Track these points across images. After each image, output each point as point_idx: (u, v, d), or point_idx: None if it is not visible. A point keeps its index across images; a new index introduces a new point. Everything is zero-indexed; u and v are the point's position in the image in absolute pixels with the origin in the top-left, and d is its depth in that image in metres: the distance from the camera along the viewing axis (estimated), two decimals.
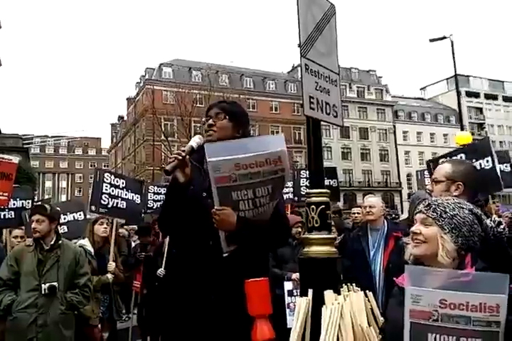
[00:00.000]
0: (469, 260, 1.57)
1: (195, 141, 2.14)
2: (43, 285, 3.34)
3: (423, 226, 1.62)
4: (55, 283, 3.37)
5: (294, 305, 4.08)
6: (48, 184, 72.63)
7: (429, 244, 1.58)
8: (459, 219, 1.60)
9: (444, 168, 2.27)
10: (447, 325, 1.36)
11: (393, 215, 19.45)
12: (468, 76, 57.93)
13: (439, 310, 1.37)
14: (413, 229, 1.63)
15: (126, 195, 4.96)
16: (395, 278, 1.72)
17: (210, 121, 2.20)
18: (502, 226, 1.89)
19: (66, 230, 4.99)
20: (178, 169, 2.04)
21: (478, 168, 3.85)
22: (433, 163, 4.05)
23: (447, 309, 1.36)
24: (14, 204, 4.97)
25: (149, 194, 6.72)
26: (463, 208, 1.64)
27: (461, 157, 4.00)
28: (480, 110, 59.04)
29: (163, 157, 35.38)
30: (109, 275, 4.32)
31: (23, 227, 4.83)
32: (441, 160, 3.50)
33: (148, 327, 5.74)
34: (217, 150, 1.88)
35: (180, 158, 2.02)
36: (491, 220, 1.93)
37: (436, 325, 1.37)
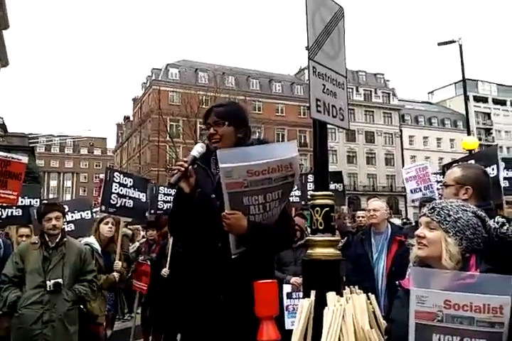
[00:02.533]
0: (474, 262, 1.59)
1: (197, 150, 2.15)
2: (48, 282, 3.38)
3: (427, 230, 1.63)
4: (60, 280, 3.41)
5: (293, 308, 4.14)
6: (53, 183, 73.02)
7: (433, 247, 1.60)
8: (463, 222, 1.62)
9: (454, 173, 2.29)
10: (451, 325, 1.38)
11: (404, 220, 19.31)
12: (476, 80, 57.70)
13: (443, 310, 1.39)
14: (417, 232, 1.65)
15: (133, 193, 5.01)
16: (400, 281, 1.73)
17: (212, 131, 2.21)
18: (505, 227, 1.90)
19: (73, 228, 5.03)
20: (182, 180, 2.07)
21: None
22: (447, 168, 4.08)
23: (451, 310, 1.38)
24: (22, 202, 5.02)
25: (159, 195, 6.74)
26: (466, 211, 1.66)
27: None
28: (488, 115, 58.74)
29: (168, 158, 35.48)
30: (116, 274, 4.35)
31: (30, 225, 4.87)
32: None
33: (151, 327, 5.76)
34: (230, 156, 1.90)
35: (182, 169, 2.04)
36: (494, 221, 1.93)
37: (440, 326, 1.39)
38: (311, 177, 6.51)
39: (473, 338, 1.35)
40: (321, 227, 2.28)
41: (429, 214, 1.65)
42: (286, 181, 1.95)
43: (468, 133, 14.92)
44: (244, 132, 2.25)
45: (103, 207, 4.76)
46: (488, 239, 1.63)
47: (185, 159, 2.12)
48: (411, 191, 6.72)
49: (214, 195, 2.10)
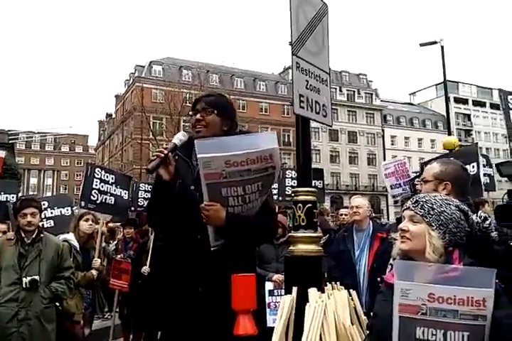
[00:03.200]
0: (457, 256, 1.59)
1: (178, 138, 2.12)
2: (24, 278, 3.31)
3: (411, 223, 1.63)
4: (36, 277, 3.35)
5: (275, 305, 4.15)
6: (33, 181, 71.78)
7: (416, 240, 1.59)
8: (447, 216, 1.62)
9: (433, 168, 2.31)
10: (435, 318, 1.38)
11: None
12: (457, 82, 58.66)
13: (427, 303, 1.39)
14: (401, 225, 1.64)
15: (115, 190, 4.95)
16: (383, 276, 1.73)
17: (198, 116, 2.17)
18: (488, 222, 1.92)
19: (52, 224, 4.95)
20: (161, 167, 2.03)
21: None
22: (426, 166, 4.12)
23: (435, 303, 1.38)
24: None
25: (140, 192, 6.66)
26: (450, 204, 1.66)
27: None
28: (468, 117, 59.80)
29: (150, 156, 35.14)
30: (94, 272, 4.29)
31: (8, 222, 4.76)
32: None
33: (130, 326, 5.69)
34: (208, 146, 1.86)
35: (162, 156, 2.00)
36: (477, 216, 1.95)
37: (424, 319, 1.39)
38: (289, 173, 6.50)
39: (457, 331, 1.36)
40: (303, 223, 2.28)
41: (413, 208, 1.65)
42: (266, 173, 1.93)
43: (449, 134, 15.15)
44: (230, 125, 2.22)
45: (82, 203, 4.68)
46: (470, 233, 1.64)
47: (165, 146, 2.10)
48: (391, 187, 6.76)
49: (193, 187, 2.07)
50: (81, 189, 4.85)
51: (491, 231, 1.98)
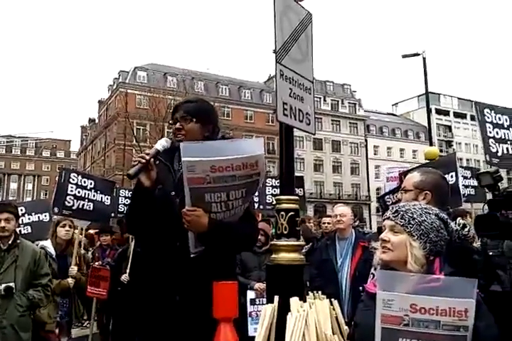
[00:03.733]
0: (438, 265, 1.59)
1: (161, 143, 2.10)
2: None
3: (391, 234, 1.62)
4: (12, 284, 3.26)
5: (256, 314, 4.12)
6: (13, 186, 70.54)
7: (397, 251, 1.59)
8: (427, 225, 1.62)
9: (413, 177, 2.32)
10: (418, 329, 1.38)
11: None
12: (439, 94, 59.78)
13: (409, 314, 1.38)
14: (382, 236, 1.63)
15: (94, 196, 4.85)
16: (364, 285, 1.72)
17: (178, 125, 2.16)
18: (466, 229, 1.94)
19: (30, 231, 4.85)
20: (142, 173, 2.00)
21: None
22: (405, 176, 4.14)
23: (417, 313, 1.38)
24: None
25: (120, 198, 6.58)
26: (430, 213, 1.66)
27: None
28: (449, 128, 60.87)
29: (133, 162, 34.85)
30: (70, 280, 4.20)
31: None
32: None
33: (109, 334, 5.58)
34: (194, 150, 1.83)
35: (143, 161, 1.98)
36: (455, 223, 1.96)
37: (407, 330, 1.39)
38: (269, 181, 6.50)
39: None
40: (285, 232, 2.27)
41: (393, 218, 1.64)
42: (251, 180, 1.91)
43: (431, 145, 15.38)
44: (211, 130, 2.20)
45: (56, 209, 4.57)
46: (450, 241, 1.65)
47: (147, 151, 2.07)
48: (390, 191, 6.63)
49: (174, 193, 2.04)
50: (53, 194, 4.74)
51: (470, 239, 1.99)
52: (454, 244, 1.68)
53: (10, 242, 3.41)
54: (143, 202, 2.04)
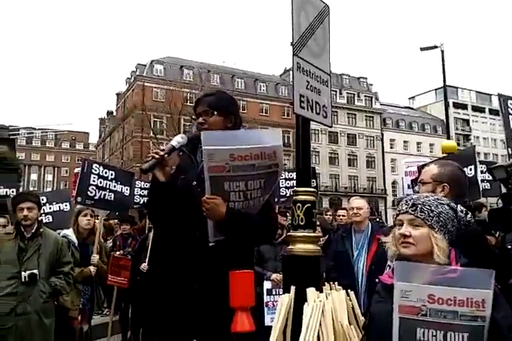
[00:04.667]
0: (454, 256, 1.60)
1: (176, 140, 2.15)
2: (23, 273, 3.31)
3: (412, 228, 1.61)
4: (35, 271, 3.34)
5: (273, 304, 4.15)
6: (34, 176, 71.70)
7: (421, 244, 1.58)
8: (444, 216, 1.63)
9: (431, 170, 2.31)
10: (435, 319, 1.39)
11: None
12: (457, 87, 58.73)
13: (427, 304, 1.40)
14: (402, 231, 1.61)
15: (115, 186, 4.90)
16: (379, 276, 1.73)
17: (200, 120, 2.20)
18: (469, 216, 1.94)
19: (51, 220, 4.94)
20: (156, 168, 2.06)
21: None
22: (423, 169, 4.12)
23: (435, 304, 1.39)
24: None
25: (136, 189, 6.68)
26: (443, 204, 1.67)
27: None
28: (467, 122, 59.87)
29: (152, 151, 35.20)
30: (92, 268, 4.28)
31: (7, 215, 4.76)
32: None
33: (128, 322, 5.70)
34: (214, 139, 1.88)
35: (157, 156, 2.03)
36: (460, 211, 1.97)
37: (424, 320, 1.40)
38: (283, 174, 6.49)
39: (457, 332, 1.37)
40: (302, 223, 2.30)
41: (412, 212, 1.63)
42: (270, 170, 1.93)
43: (448, 139, 15.16)
44: (233, 122, 2.24)
45: (79, 199, 4.64)
46: (458, 229, 1.66)
47: (162, 147, 2.12)
48: (408, 186, 6.40)
49: (195, 183, 2.08)
50: (77, 185, 4.82)
51: (472, 225, 2.00)
52: (460, 231, 1.68)
53: (33, 231, 3.48)
54: (159, 195, 2.11)
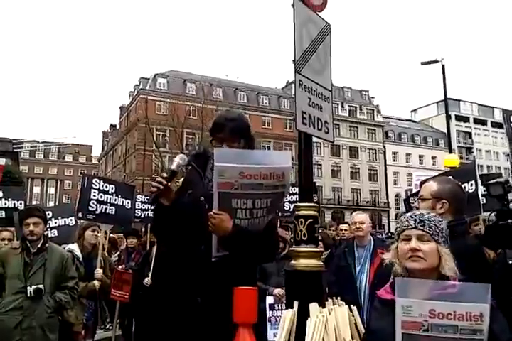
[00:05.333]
0: None
1: (176, 164, 2.17)
2: (28, 287, 3.32)
3: (421, 243, 1.66)
4: (41, 286, 3.36)
5: (275, 319, 4.13)
6: (36, 190, 71.80)
7: (431, 259, 1.63)
8: (445, 233, 1.71)
9: (431, 186, 2.34)
10: (437, 334, 1.42)
11: (388, 234, 19.26)
12: (458, 100, 58.97)
13: (428, 319, 1.43)
14: (413, 245, 1.66)
15: (116, 200, 4.94)
16: (376, 292, 1.76)
17: (224, 146, 2.17)
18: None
19: (56, 234, 4.96)
20: (161, 197, 2.11)
21: None
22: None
23: (436, 319, 1.42)
24: (5, 204, 4.94)
25: (137, 203, 6.70)
26: (442, 221, 1.74)
27: None
28: (469, 134, 59.94)
29: (153, 167, 35.33)
30: (96, 282, 4.30)
31: (12, 229, 4.78)
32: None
33: (131, 336, 5.67)
34: (226, 156, 1.93)
35: (161, 187, 2.08)
36: None
37: (427, 335, 1.43)
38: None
39: None
40: (304, 238, 2.31)
41: (421, 227, 1.68)
42: (276, 191, 1.98)
43: (450, 152, 15.17)
44: (250, 143, 2.28)
45: (80, 214, 4.68)
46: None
47: (164, 175, 2.14)
48: (414, 193, 6.61)
49: (203, 198, 2.12)
50: (77, 200, 4.86)
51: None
52: (470, 247, 1.73)
53: (39, 246, 3.50)
54: (164, 218, 2.15)
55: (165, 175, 2.15)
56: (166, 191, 2.10)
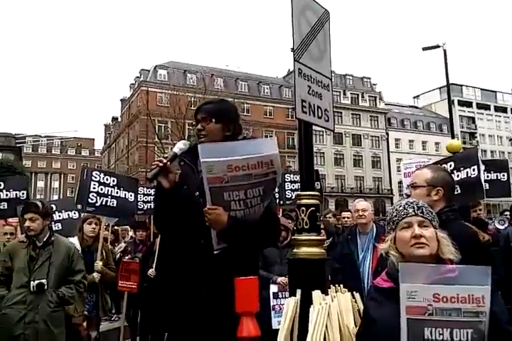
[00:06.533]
0: None
1: (178, 147, 2.20)
2: (32, 282, 3.34)
3: (422, 229, 1.68)
4: (43, 281, 3.36)
5: (279, 307, 4.16)
6: (40, 184, 72.16)
7: (432, 244, 1.65)
8: (437, 219, 1.75)
9: (424, 174, 2.36)
10: (442, 318, 1.43)
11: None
12: (461, 85, 58.55)
13: (433, 304, 1.44)
14: (417, 232, 1.66)
15: (117, 192, 4.90)
16: (373, 281, 1.77)
17: (199, 126, 2.24)
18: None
19: (60, 227, 4.96)
20: (160, 176, 2.12)
21: (465, 176, 3.99)
22: None
23: (440, 302, 1.43)
24: (7, 195, 4.94)
25: (139, 195, 6.70)
26: (432, 208, 1.81)
27: (450, 165, 4.10)
28: (472, 119, 59.60)
29: (156, 159, 35.36)
30: (96, 275, 4.32)
31: (14, 223, 4.80)
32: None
33: (137, 327, 5.73)
34: (211, 151, 1.92)
35: (161, 164, 2.10)
36: None
37: (431, 319, 1.44)
38: (288, 177, 6.49)
39: (462, 329, 1.41)
40: (306, 227, 2.32)
41: (421, 214, 1.71)
42: (267, 178, 1.97)
43: (453, 137, 15.07)
44: (232, 130, 2.25)
45: (79, 206, 4.66)
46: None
47: (165, 155, 2.18)
48: (407, 186, 6.54)
49: (198, 193, 2.12)
50: (76, 192, 4.83)
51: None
52: (468, 234, 1.76)
53: (45, 239, 3.50)
54: (165, 202, 2.17)
55: (165, 155, 2.19)
56: (165, 170, 2.12)
